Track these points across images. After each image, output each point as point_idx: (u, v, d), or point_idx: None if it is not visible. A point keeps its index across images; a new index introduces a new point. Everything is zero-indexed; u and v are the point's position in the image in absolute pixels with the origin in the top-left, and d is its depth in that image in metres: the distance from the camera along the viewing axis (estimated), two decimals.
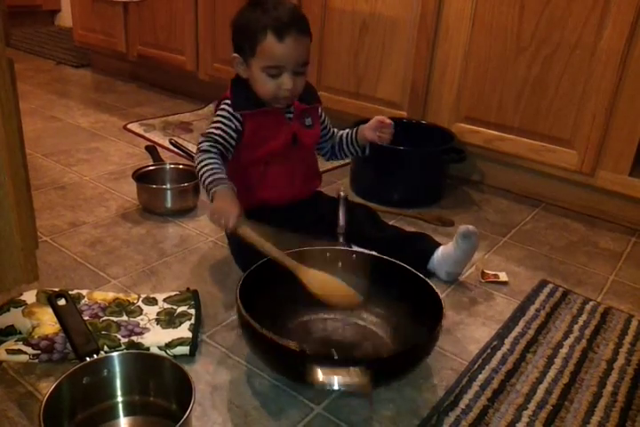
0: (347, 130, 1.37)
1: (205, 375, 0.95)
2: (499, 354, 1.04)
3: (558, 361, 1.03)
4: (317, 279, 0.99)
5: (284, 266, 1.00)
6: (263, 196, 1.23)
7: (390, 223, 1.43)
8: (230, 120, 1.17)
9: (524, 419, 0.90)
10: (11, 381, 0.91)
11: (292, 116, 1.23)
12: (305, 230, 1.17)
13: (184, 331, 1.02)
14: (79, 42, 2.80)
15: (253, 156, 1.21)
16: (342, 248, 1.16)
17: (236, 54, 1.18)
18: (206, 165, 1.11)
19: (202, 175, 1.11)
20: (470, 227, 1.19)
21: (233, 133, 1.17)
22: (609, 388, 0.97)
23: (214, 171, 1.10)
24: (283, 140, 1.21)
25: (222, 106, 1.20)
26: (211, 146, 1.15)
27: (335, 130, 1.38)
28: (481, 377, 0.98)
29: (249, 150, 1.20)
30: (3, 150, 0.79)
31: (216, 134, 1.16)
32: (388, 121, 1.28)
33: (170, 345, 0.98)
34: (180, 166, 1.57)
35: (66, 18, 3.65)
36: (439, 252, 1.25)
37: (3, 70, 0.76)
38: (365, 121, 1.71)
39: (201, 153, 1.14)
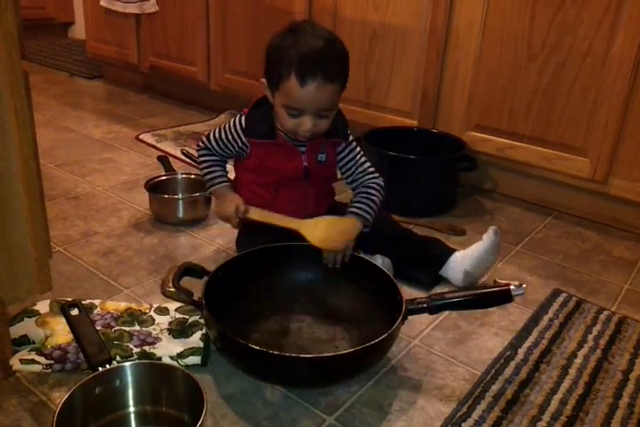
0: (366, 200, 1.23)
1: (217, 385, 0.95)
2: (512, 364, 1.03)
3: (573, 371, 1.02)
4: (318, 231, 1.07)
5: (290, 229, 1.09)
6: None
7: None
8: (234, 139, 1.19)
9: None
10: (24, 390, 0.92)
11: (305, 150, 1.18)
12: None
13: (196, 341, 1.02)
14: (92, 54, 2.83)
15: (263, 179, 1.21)
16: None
17: (263, 80, 1.13)
18: (202, 162, 1.25)
19: (201, 169, 1.26)
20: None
21: (232, 148, 1.21)
22: (625, 399, 0.96)
23: (210, 169, 1.23)
24: (293, 172, 1.18)
25: (235, 120, 1.20)
26: (206, 147, 1.24)
27: (368, 171, 1.23)
28: (494, 388, 0.97)
29: (258, 174, 1.21)
30: (17, 161, 0.79)
31: (210, 141, 1.23)
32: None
33: (182, 355, 0.98)
34: (192, 176, 1.58)
35: (79, 30, 3.69)
36: (458, 255, 1.24)
37: (18, 82, 0.77)
38: (376, 131, 1.72)
39: (198, 150, 1.26)
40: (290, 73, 1.04)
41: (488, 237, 1.23)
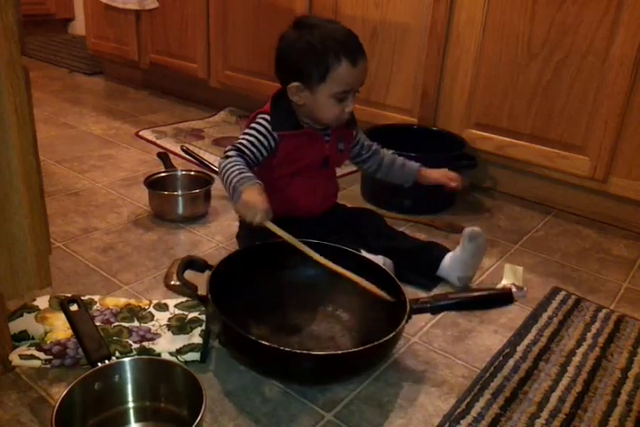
0: (400, 158, 1.38)
1: (216, 382, 0.95)
2: (511, 362, 1.03)
3: (571, 369, 1.02)
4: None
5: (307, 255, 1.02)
6: (281, 207, 1.23)
7: (400, 230, 1.42)
8: (265, 137, 1.16)
9: None
10: (23, 386, 0.92)
11: (330, 139, 1.22)
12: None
13: (195, 337, 1.02)
14: (92, 50, 2.83)
15: (281, 172, 1.21)
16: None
17: (296, 83, 1.12)
18: (233, 166, 1.10)
19: (228, 176, 1.08)
20: (475, 228, 1.20)
21: (263, 150, 1.17)
22: (623, 397, 0.96)
23: (241, 170, 1.09)
24: (313, 160, 1.21)
25: (259, 120, 1.18)
26: (238, 155, 1.14)
27: (379, 148, 1.37)
28: (493, 385, 0.97)
29: (279, 168, 1.21)
30: (17, 157, 0.79)
31: (245, 146, 1.16)
32: (454, 178, 1.37)
33: (181, 351, 0.98)
34: (192, 173, 1.58)
35: (79, 26, 3.69)
36: (448, 258, 1.25)
37: (18, 78, 0.77)
38: (376, 129, 1.72)
39: (226, 158, 1.13)
40: (340, 60, 1.09)
41: (464, 247, 1.21)
